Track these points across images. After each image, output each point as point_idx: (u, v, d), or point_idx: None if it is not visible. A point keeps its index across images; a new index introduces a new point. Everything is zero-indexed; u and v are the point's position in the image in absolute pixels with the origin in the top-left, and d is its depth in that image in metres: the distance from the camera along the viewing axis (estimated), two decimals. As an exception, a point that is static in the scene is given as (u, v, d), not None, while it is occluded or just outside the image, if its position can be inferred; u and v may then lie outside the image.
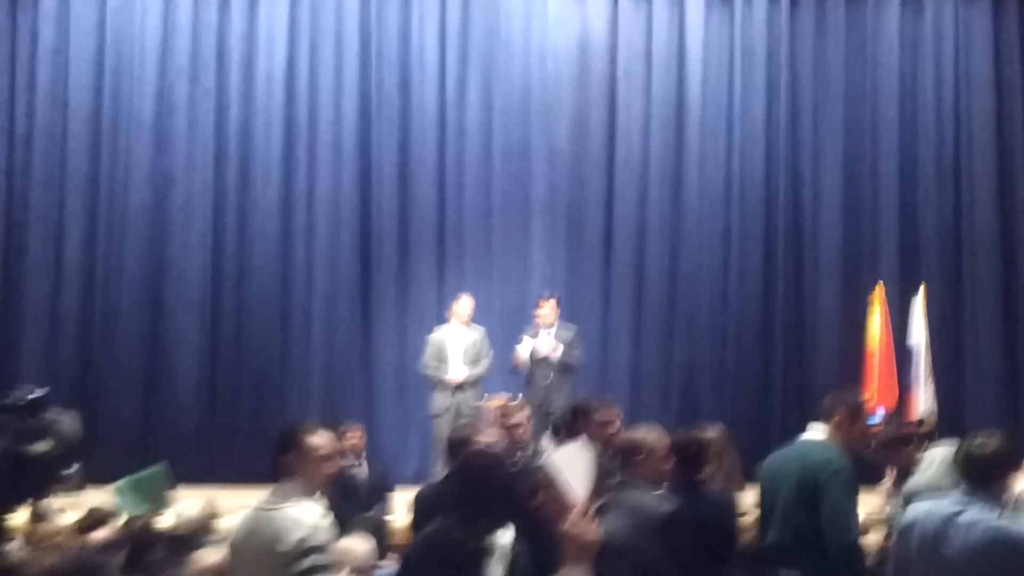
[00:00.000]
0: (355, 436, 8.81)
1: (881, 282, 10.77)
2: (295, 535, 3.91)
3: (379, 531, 6.50)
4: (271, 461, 4.13)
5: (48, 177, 10.99)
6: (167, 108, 11.16)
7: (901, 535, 4.26)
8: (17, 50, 11.16)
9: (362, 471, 8.75)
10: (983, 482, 4.19)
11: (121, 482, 6.91)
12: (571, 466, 3.17)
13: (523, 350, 9.88)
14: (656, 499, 4.42)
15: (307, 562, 3.88)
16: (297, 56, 11.39)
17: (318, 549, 3.93)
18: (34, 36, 11.10)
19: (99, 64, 11.16)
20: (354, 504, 7.75)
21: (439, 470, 9.83)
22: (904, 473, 5.82)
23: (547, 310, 10.00)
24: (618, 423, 5.82)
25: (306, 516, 3.97)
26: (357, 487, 8.53)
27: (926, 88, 11.69)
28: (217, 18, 11.30)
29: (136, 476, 7.01)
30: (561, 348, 9.84)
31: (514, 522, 3.61)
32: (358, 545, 5.03)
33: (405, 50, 11.49)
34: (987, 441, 4.26)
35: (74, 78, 11.08)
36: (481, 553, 3.50)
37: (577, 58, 11.61)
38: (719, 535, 4.90)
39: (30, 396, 6.03)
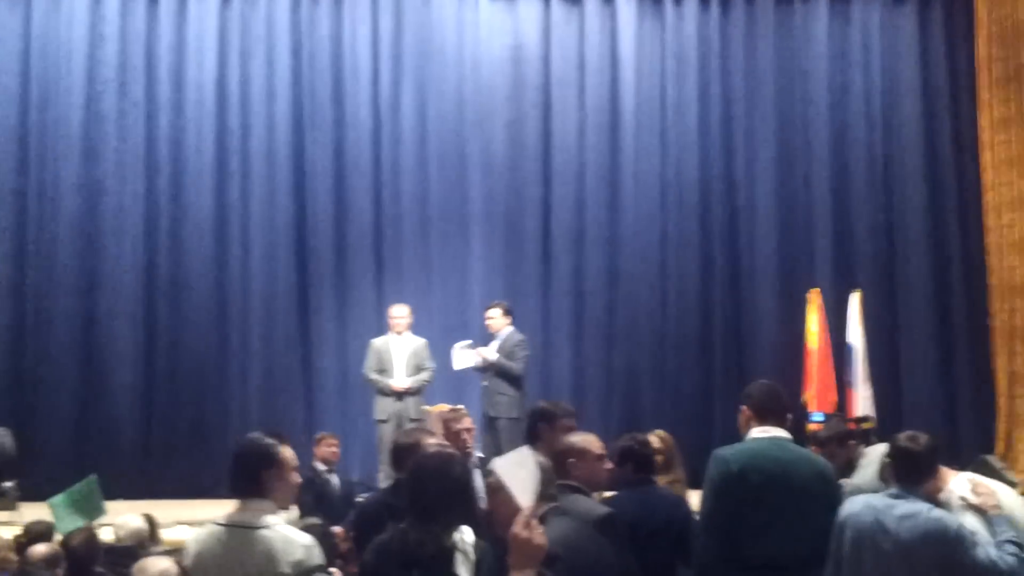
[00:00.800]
0: (333, 444, 8.91)
1: (817, 288, 10.90)
2: (292, 556, 3.77)
3: (325, 539, 6.41)
4: (247, 478, 3.97)
5: (-26, 190, 10.75)
6: (95, 118, 10.95)
7: (836, 531, 4.28)
8: (-60, 62, 10.91)
9: (334, 479, 8.80)
10: (915, 477, 4.27)
11: (55, 498, 6.81)
12: (517, 471, 3.13)
13: (456, 350, 9.91)
14: (593, 502, 4.40)
15: None
16: (228, 65, 11.25)
17: (318, 569, 3.82)
18: (-43, 47, 10.87)
19: (25, 74, 10.92)
20: (326, 512, 7.74)
21: (383, 477, 9.83)
22: (845, 469, 5.87)
23: (491, 316, 10.02)
24: None
25: (298, 536, 3.86)
26: (330, 495, 8.52)
27: (855, 94, 11.88)
28: (145, 27, 11.12)
29: (69, 491, 6.91)
30: (495, 355, 9.82)
31: (468, 523, 3.56)
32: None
33: (338, 58, 11.41)
34: (916, 437, 4.36)
35: (-1, 89, 10.87)
36: (446, 553, 3.44)
37: (510, 66, 11.62)
38: (675, 534, 4.87)
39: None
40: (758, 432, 4.49)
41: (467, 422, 6.42)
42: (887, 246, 11.73)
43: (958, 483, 4.46)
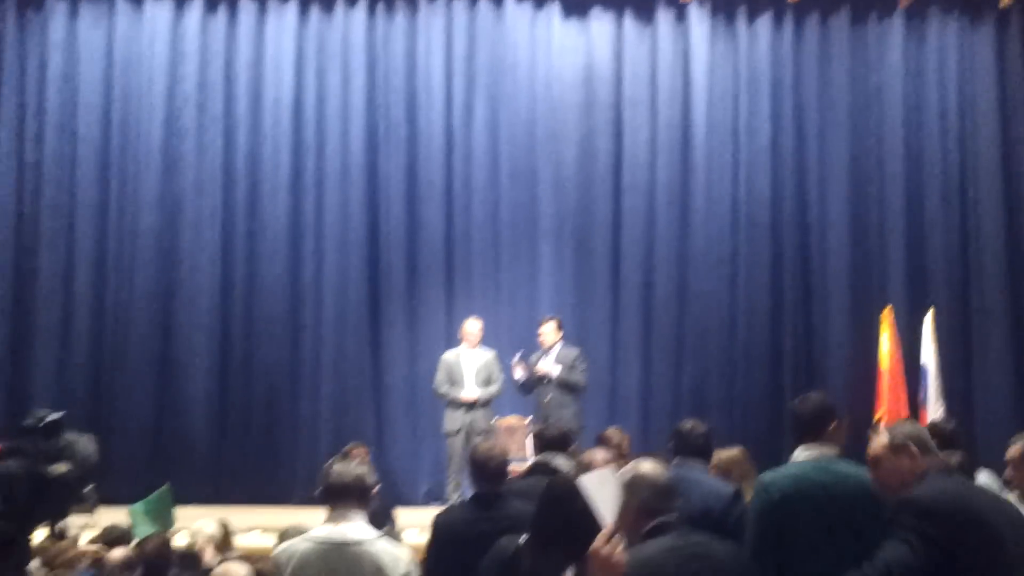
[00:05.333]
0: (363, 454, 8.87)
1: (890, 306, 10.78)
2: (399, 571, 3.87)
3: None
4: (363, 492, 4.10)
5: (57, 203, 11.03)
6: (175, 134, 11.19)
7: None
8: (26, 77, 11.21)
9: None
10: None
11: (135, 505, 6.98)
12: (601, 489, 3.14)
13: (517, 365, 9.97)
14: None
15: None
16: (304, 82, 11.42)
17: None
18: (43, 63, 11.16)
19: (107, 91, 11.21)
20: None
21: (451, 489, 9.88)
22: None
23: (545, 331, 10.09)
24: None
25: (399, 550, 3.90)
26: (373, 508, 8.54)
27: (930, 113, 11.71)
28: (224, 45, 11.35)
29: (146, 499, 7.08)
30: (559, 368, 9.87)
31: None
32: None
33: (412, 76, 11.52)
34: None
35: (83, 105, 11.13)
36: None
37: (583, 84, 11.65)
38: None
39: (47, 419, 6.06)
40: (801, 453, 4.33)
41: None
42: (962, 265, 11.53)
43: None
